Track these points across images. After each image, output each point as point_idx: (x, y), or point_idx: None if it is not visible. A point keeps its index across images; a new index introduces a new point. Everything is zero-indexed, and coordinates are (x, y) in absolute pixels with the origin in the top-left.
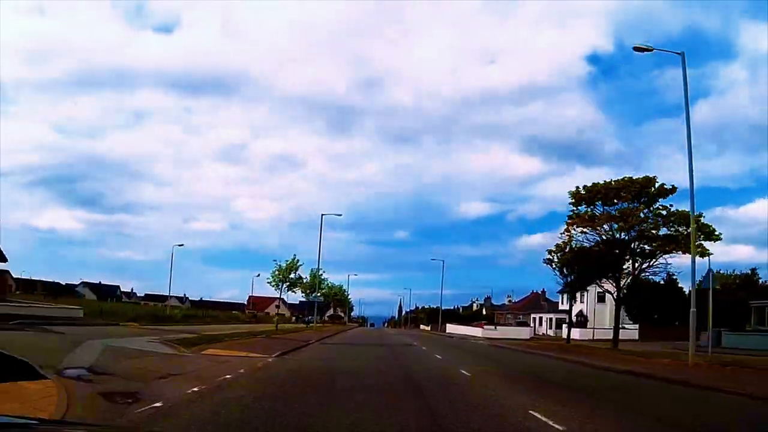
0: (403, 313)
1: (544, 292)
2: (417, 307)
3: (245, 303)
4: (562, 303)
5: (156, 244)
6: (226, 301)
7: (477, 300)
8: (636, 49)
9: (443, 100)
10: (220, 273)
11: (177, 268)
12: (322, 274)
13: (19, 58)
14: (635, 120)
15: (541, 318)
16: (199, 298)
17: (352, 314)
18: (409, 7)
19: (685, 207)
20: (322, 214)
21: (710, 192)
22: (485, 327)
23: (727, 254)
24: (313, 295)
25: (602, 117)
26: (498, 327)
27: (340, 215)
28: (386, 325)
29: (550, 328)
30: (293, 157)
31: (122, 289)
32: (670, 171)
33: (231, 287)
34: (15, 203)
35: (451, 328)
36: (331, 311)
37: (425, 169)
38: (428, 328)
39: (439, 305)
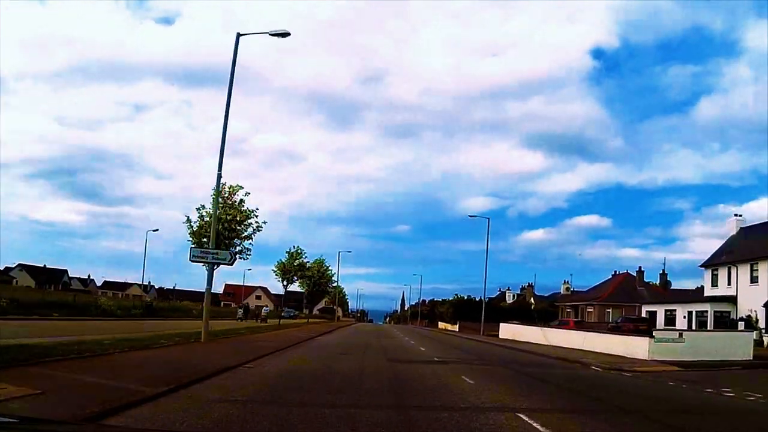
0: (407, 306)
1: (641, 271)
2: (423, 300)
3: (221, 293)
4: (713, 285)
5: (156, 236)
6: (202, 291)
7: (509, 290)
8: None
9: (445, 94)
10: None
11: (177, 262)
12: (239, 199)
13: (20, 49)
14: (638, 116)
15: (671, 312)
16: (172, 286)
17: (349, 308)
18: (412, 1)
19: None
20: (239, 33)
21: None
22: (657, 334)
23: None
24: (206, 254)
25: (605, 113)
26: (683, 333)
27: (288, 34)
28: (388, 320)
29: (694, 327)
30: (294, 152)
31: (71, 275)
32: (673, 168)
33: (229, 279)
34: (14, 195)
35: (511, 332)
36: (323, 303)
37: (427, 164)
38: (454, 328)
39: (471, 296)
